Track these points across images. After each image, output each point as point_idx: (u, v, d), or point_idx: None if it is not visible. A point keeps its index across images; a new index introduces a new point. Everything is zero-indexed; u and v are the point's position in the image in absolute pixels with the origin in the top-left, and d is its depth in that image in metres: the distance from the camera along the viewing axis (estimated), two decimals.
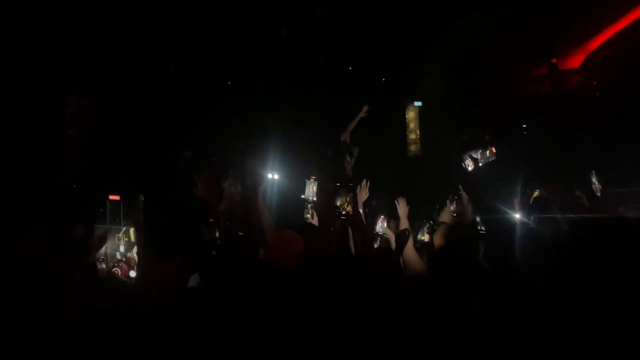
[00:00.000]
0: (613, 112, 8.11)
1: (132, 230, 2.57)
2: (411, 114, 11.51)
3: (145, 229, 2.17)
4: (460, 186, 4.07)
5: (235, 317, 1.53)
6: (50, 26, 5.88)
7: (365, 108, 6.65)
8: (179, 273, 2.31)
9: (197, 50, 8.05)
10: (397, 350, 1.48)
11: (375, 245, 3.95)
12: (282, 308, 1.54)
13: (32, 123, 4.85)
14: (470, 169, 4.24)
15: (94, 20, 6.38)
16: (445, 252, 3.00)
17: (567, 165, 6.73)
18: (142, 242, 2.13)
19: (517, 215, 3.81)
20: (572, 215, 3.82)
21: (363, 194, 3.61)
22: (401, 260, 3.34)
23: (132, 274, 2.53)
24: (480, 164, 4.24)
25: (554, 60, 10.72)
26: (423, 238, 4.15)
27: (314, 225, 3.19)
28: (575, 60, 10.92)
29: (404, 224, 3.88)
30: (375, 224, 4.10)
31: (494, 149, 4.26)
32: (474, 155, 4.25)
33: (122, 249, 2.73)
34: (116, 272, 2.52)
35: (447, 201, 4.15)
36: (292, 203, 4.01)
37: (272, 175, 4.03)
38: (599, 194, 4.09)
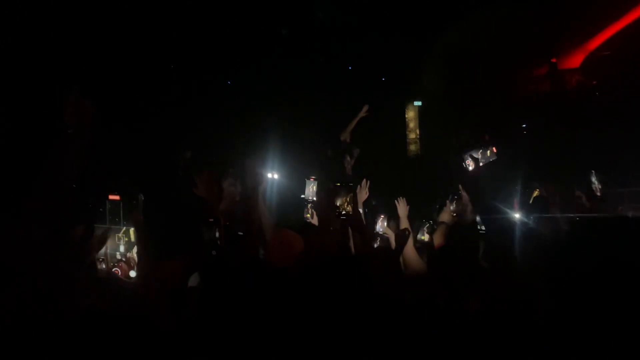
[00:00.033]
0: (613, 112, 8.11)
1: (132, 230, 2.57)
2: (411, 114, 11.50)
3: (145, 228, 2.17)
4: (460, 186, 4.07)
5: (235, 317, 1.53)
6: (50, 26, 5.87)
7: (365, 108, 6.65)
8: (179, 273, 2.31)
9: (197, 50, 8.05)
10: (397, 349, 1.49)
11: (375, 245, 3.95)
12: (282, 308, 1.54)
13: (32, 123, 4.84)
14: (471, 168, 4.24)
15: (93, 20, 6.37)
16: (445, 251, 3.00)
17: (567, 165, 6.74)
18: (142, 242, 2.13)
19: (517, 215, 3.81)
20: (571, 215, 3.82)
21: (363, 193, 3.61)
22: (401, 260, 3.34)
23: (132, 274, 2.53)
24: (481, 164, 4.24)
25: (553, 60, 10.71)
26: (423, 238, 4.15)
27: (313, 225, 3.19)
28: (575, 60, 10.91)
29: (404, 223, 3.88)
30: (375, 223, 4.10)
31: (494, 149, 4.26)
32: (475, 155, 4.25)
33: (122, 249, 2.73)
34: (116, 272, 2.52)
35: (447, 201, 4.15)
36: (292, 203, 4.02)
37: (272, 175, 4.04)
38: (598, 194, 4.09)
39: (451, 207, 4.09)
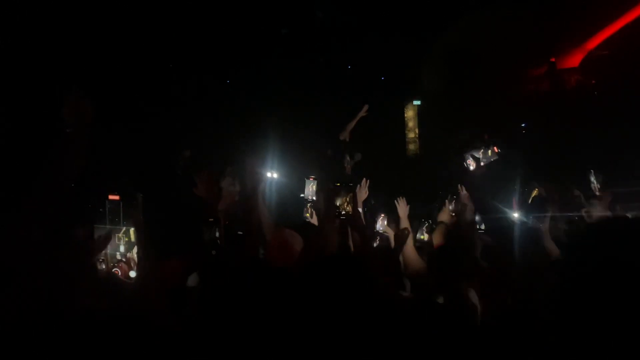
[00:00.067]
0: (612, 111, 8.11)
1: (132, 231, 2.57)
2: (410, 113, 11.51)
3: (145, 228, 2.17)
4: (459, 185, 4.07)
5: (235, 316, 1.54)
6: (50, 26, 5.87)
7: (365, 107, 6.65)
8: (179, 273, 2.31)
9: (197, 50, 8.05)
10: (397, 349, 1.49)
11: (375, 244, 3.95)
12: (282, 307, 1.54)
13: (32, 123, 4.84)
14: (472, 168, 4.25)
15: (93, 20, 6.37)
16: (444, 251, 3.01)
17: (566, 164, 6.74)
18: (142, 242, 2.13)
19: (516, 215, 3.81)
20: (571, 215, 3.83)
21: (363, 193, 3.61)
22: (401, 259, 3.35)
23: (132, 274, 2.53)
24: (482, 163, 4.25)
25: (552, 60, 10.72)
26: (422, 237, 4.16)
27: (313, 225, 3.19)
28: (574, 60, 10.92)
29: (404, 223, 3.88)
30: (375, 222, 4.10)
31: (496, 149, 4.27)
32: (476, 155, 4.26)
33: (122, 249, 2.73)
34: (116, 272, 2.52)
35: (446, 201, 4.15)
36: (292, 202, 4.02)
37: (272, 175, 4.03)
38: (597, 193, 4.10)
39: (450, 207, 4.10)
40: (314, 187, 3.32)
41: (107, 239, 2.14)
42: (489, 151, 4.27)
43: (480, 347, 1.66)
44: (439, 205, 4.38)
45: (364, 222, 3.29)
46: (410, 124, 11.46)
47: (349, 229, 3.00)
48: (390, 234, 3.92)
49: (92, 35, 6.36)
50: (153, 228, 2.17)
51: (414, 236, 3.87)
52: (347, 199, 2.84)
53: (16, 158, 4.45)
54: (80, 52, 6.10)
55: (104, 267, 2.47)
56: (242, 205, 2.90)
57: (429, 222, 4.16)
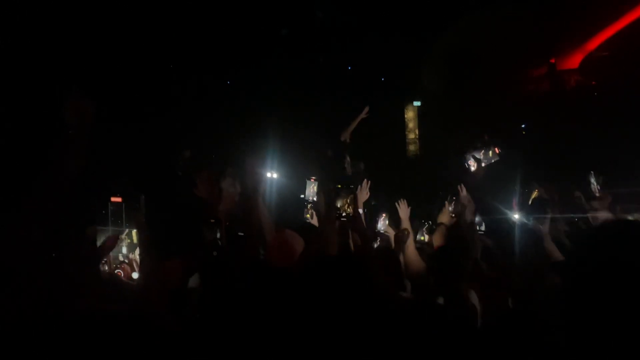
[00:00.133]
0: (612, 112, 8.12)
1: (134, 232, 2.56)
2: (410, 114, 11.52)
3: (147, 230, 2.17)
4: (459, 186, 4.07)
5: (236, 317, 1.54)
6: (50, 26, 5.87)
7: (366, 109, 6.66)
8: (181, 274, 2.31)
9: (197, 50, 8.04)
10: (397, 350, 1.49)
11: (376, 245, 3.95)
12: (282, 308, 1.54)
13: (33, 123, 4.84)
14: (473, 169, 4.25)
15: (94, 21, 6.37)
16: (443, 252, 3.00)
17: (566, 165, 6.74)
18: (144, 243, 2.13)
19: (516, 216, 3.81)
20: (571, 216, 3.83)
21: (364, 194, 3.61)
22: (402, 260, 3.35)
23: (135, 275, 2.53)
24: (482, 164, 4.25)
25: (552, 61, 10.73)
26: (422, 238, 4.16)
27: (313, 226, 3.19)
28: (574, 61, 10.94)
29: (405, 225, 3.88)
30: (376, 222, 4.10)
31: (497, 149, 4.27)
32: (477, 156, 4.26)
33: (124, 250, 2.73)
34: (119, 273, 2.52)
35: (446, 202, 4.15)
36: (292, 203, 4.01)
37: (272, 175, 4.03)
38: (597, 194, 4.09)
39: (450, 208, 4.09)
40: (315, 188, 3.32)
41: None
42: (490, 152, 4.27)
43: (480, 348, 1.66)
44: (439, 206, 4.37)
45: (365, 224, 3.29)
46: (411, 124, 11.47)
47: (350, 230, 3.00)
48: (391, 234, 3.92)
49: (93, 36, 6.36)
50: (155, 229, 2.17)
51: (414, 237, 3.87)
52: (348, 201, 2.84)
53: (16, 158, 4.45)
54: (80, 53, 6.10)
55: (106, 268, 2.47)
56: (242, 206, 2.90)
57: (429, 223, 4.16)
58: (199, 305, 2.09)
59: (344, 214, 2.83)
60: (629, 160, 5.68)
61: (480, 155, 4.27)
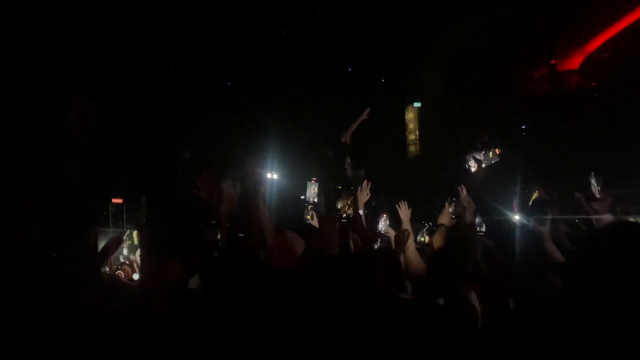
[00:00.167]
0: (612, 113, 8.12)
1: (135, 234, 2.57)
2: (410, 115, 11.52)
3: (147, 230, 2.17)
4: (459, 187, 4.07)
5: (236, 318, 1.54)
6: (50, 26, 5.88)
7: (367, 111, 6.65)
8: (181, 274, 2.31)
9: (197, 50, 8.05)
10: (397, 351, 1.49)
11: (376, 246, 3.95)
12: (282, 309, 1.54)
13: (33, 123, 4.84)
14: (473, 170, 4.25)
15: (95, 21, 6.38)
16: (444, 253, 3.01)
17: (567, 166, 6.74)
18: (145, 244, 2.13)
19: (517, 217, 3.81)
20: (572, 217, 3.82)
21: (364, 195, 3.61)
22: (402, 261, 3.35)
23: (135, 276, 2.53)
24: (483, 165, 4.25)
25: (553, 62, 10.74)
26: (422, 239, 4.16)
27: (314, 227, 3.18)
28: (574, 61, 10.94)
29: (406, 226, 3.88)
30: (377, 222, 4.10)
31: (497, 150, 4.27)
32: (478, 157, 4.26)
33: (125, 251, 2.73)
34: (119, 274, 2.52)
35: (446, 203, 4.15)
36: (292, 204, 4.01)
37: (272, 176, 4.03)
38: (598, 196, 4.09)
39: (450, 209, 4.09)
40: (316, 189, 3.32)
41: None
42: (490, 153, 4.28)
43: (481, 349, 1.66)
44: (439, 207, 4.37)
45: (365, 225, 3.29)
46: (411, 125, 11.47)
47: (350, 232, 3.00)
48: (392, 234, 3.92)
49: (93, 36, 6.36)
50: (155, 230, 2.17)
51: (415, 238, 3.87)
52: (348, 202, 2.84)
53: (17, 158, 4.45)
54: (81, 53, 6.10)
55: (107, 269, 2.47)
56: (243, 206, 2.89)
57: (429, 224, 4.16)
58: (200, 306, 2.09)
59: (344, 215, 2.83)
60: (630, 161, 5.68)
61: (480, 156, 4.28)
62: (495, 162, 4.35)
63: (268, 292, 1.61)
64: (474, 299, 2.56)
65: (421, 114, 11.43)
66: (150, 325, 1.35)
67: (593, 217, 3.60)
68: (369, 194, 3.69)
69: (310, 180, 3.36)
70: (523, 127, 10.02)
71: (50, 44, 5.82)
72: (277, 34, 8.75)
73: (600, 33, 10.01)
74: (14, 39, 5.50)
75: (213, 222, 2.35)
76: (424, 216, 4.73)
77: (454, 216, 4.03)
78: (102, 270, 2.40)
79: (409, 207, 4.08)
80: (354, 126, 6.65)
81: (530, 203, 4.35)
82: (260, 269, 1.96)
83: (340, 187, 2.87)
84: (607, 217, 3.49)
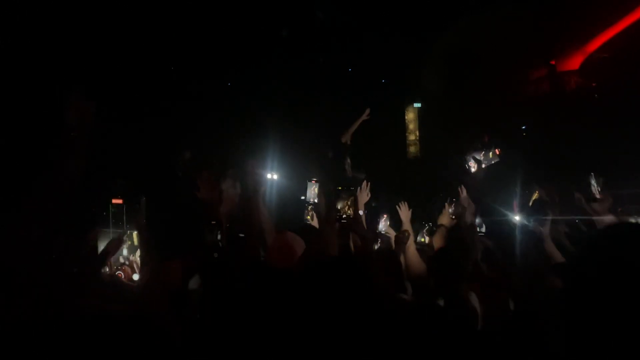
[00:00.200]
0: (612, 114, 8.12)
1: (135, 234, 2.57)
2: (411, 115, 11.51)
3: (147, 231, 2.17)
4: (459, 188, 4.07)
5: (236, 318, 1.54)
6: (50, 26, 5.88)
7: (367, 111, 6.66)
8: (181, 275, 2.31)
9: (197, 51, 8.05)
10: (397, 352, 1.49)
11: (377, 246, 3.95)
12: (282, 309, 1.54)
13: (33, 123, 4.84)
14: (473, 170, 4.25)
15: (95, 21, 6.38)
16: (444, 254, 3.01)
17: (567, 166, 6.74)
18: (145, 244, 2.13)
19: (517, 217, 3.81)
20: (572, 217, 3.82)
21: (364, 195, 3.61)
22: (403, 261, 3.35)
23: (135, 277, 2.53)
24: (483, 165, 4.25)
25: (552, 62, 10.73)
26: (422, 240, 4.16)
27: (314, 227, 3.18)
28: (574, 62, 10.93)
29: (406, 227, 3.88)
30: (377, 223, 4.10)
31: (497, 151, 4.27)
32: (478, 157, 4.26)
33: (125, 252, 2.73)
34: (119, 275, 2.52)
35: (446, 203, 4.15)
36: (292, 204, 4.02)
37: (272, 176, 4.03)
38: (598, 196, 4.09)
39: (450, 210, 4.09)
40: (316, 189, 3.32)
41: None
42: (490, 153, 4.28)
43: (481, 350, 1.66)
44: (439, 207, 4.38)
45: (365, 225, 3.29)
46: (411, 126, 11.46)
47: (350, 232, 3.00)
48: (392, 235, 3.92)
49: (94, 37, 6.37)
50: (155, 230, 2.17)
51: (415, 239, 3.87)
52: (349, 202, 2.84)
53: (17, 158, 4.45)
54: (81, 53, 6.10)
55: (107, 270, 2.47)
56: (243, 207, 2.89)
57: (429, 225, 4.16)
58: (200, 306, 2.09)
59: (344, 216, 2.83)
60: (630, 161, 5.69)
61: (480, 156, 4.28)
62: (495, 163, 4.35)
63: (268, 293, 1.61)
64: (474, 299, 2.56)
65: (421, 114, 11.42)
66: (151, 326, 1.35)
67: (593, 217, 3.60)
68: (369, 195, 3.69)
69: (310, 181, 3.36)
70: (523, 127, 10.02)
71: (50, 44, 5.82)
72: (277, 34, 8.75)
73: (600, 33, 10.00)
74: (14, 39, 5.50)
75: (213, 222, 2.35)
76: (424, 217, 4.74)
77: (454, 217, 4.03)
78: (102, 270, 2.40)
79: (409, 208, 4.08)
80: (355, 127, 6.65)
81: (530, 203, 4.35)
82: (260, 269, 1.96)
83: (340, 188, 2.87)
84: (608, 218, 3.49)
